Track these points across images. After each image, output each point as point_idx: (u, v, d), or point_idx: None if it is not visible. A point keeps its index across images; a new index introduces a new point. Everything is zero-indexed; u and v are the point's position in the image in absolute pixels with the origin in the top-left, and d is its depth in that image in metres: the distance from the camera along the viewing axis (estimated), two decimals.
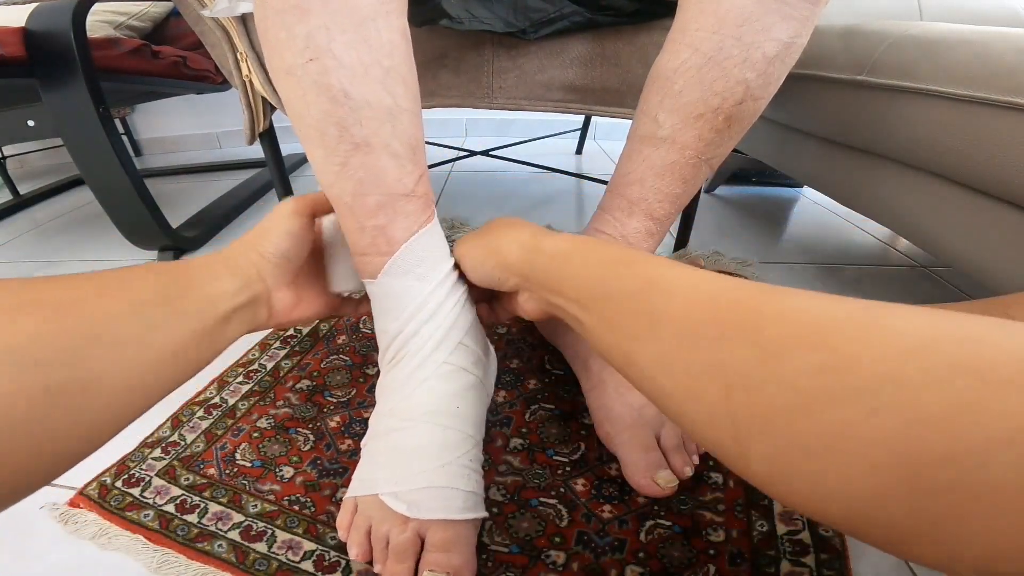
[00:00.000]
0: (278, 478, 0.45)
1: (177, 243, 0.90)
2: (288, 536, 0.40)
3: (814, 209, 1.13)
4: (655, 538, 0.39)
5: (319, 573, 0.37)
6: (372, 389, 0.54)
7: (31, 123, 1.05)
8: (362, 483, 0.39)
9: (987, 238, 0.50)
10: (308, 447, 0.48)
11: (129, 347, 0.25)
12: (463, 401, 0.41)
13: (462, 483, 0.38)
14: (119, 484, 0.44)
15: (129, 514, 0.42)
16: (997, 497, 0.12)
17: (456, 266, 0.42)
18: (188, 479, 0.45)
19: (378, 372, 0.44)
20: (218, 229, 1.04)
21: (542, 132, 1.63)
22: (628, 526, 0.40)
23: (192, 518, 0.41)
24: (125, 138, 1.73)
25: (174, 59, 0.99)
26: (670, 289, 0.23)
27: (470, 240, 0.41)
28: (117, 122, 1.65)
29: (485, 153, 1.19)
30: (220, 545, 0.39)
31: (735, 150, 0.49)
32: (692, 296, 0.22)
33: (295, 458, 0.47)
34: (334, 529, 0.39)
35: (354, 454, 0.46)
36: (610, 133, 1.78)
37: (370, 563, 0.36)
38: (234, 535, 0.40)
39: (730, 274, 0.77)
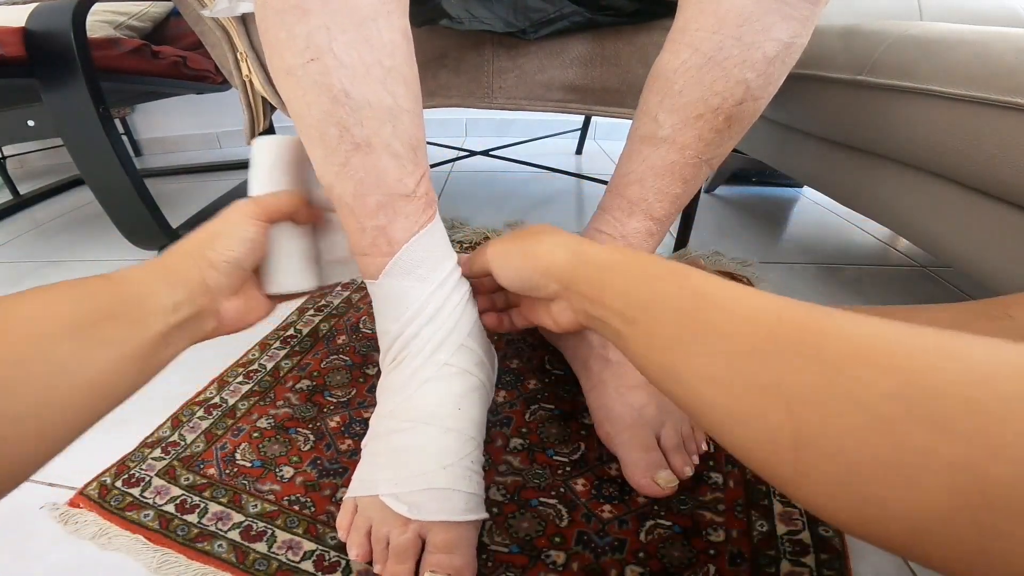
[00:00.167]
0: (278, 478, 0.45)
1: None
2: (288, 536, 0.40)
3: (814, 209, 1.13)
4: (655, 538, 0.39)
5: (319, 573, 0.37)
6: (372, 389, 0.54)
7: (31, 123, 1.05)
8: (362, 484, 0.39)
9: (987, 238, 0.50)
10: (308, 447, 0.48)
11: (33, 391, 0.22)
12: (464, 402, 0.41)
13: (463, 484, 0.38)
14: (119, 484, 0.44)
15: (129, 514, 0.42)
16: None
17: (458, 266, 0.42)
18: (188, 479, 0.45)
19: (378, 372, 0.44)
20: None
21: (542, 132, 1.63)
22: (628, 526, 0.40)
23: (192, 518, 0.41)
24: (125, 138, 1.73)
25: (174, 59, 0.99)
26: (723, 304, 0.23)
27: (506, 243, 0.39)
28: (117, 122, 1.65)
29: (485, 153, 1.19)
30: (220, 545, 0.39)
31: (735, 150, 0.49)
32: (748, 313, 0.21)
33: (295, 458, 0.47)
34: (334, 529, 0.39)
35: (354, 454, 0.46)
36: (610, 133, 1.78)
37: (370, 563, 0.36)
38: (234, 535, 0.40)
39: (730, 275, 0.77)
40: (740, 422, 0.20)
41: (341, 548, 0.38)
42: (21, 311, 0.24)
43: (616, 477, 0.44)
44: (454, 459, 0.38)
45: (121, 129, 1.74)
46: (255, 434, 0.49)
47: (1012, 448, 0.13)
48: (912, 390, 0.15)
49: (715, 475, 0.44)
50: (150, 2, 1.09)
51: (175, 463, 0.46)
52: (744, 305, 0.22)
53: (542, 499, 0.42)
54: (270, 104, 0.68)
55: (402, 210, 0.38)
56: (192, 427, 0.50)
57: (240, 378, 0.57)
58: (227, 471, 0.45)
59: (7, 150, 1.45)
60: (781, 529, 0.40)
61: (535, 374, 0.57)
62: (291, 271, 0.40)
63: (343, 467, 0.46)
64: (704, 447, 0.45)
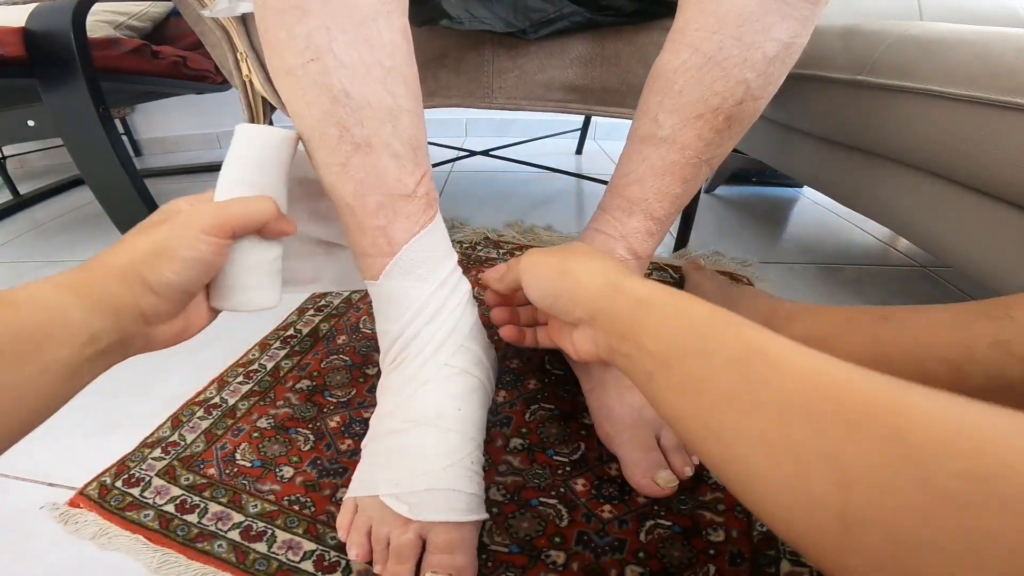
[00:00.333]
0: (278, 478, 0.45)
1: None
2: (288, 536, 0.40)
3: (814, 209, 1.13)
4: (655, 538, 0.39)
5: (319, 573, 0.37)
6: (372, 389, 0.54)
7: (31, 123, 1.05)
8: (363, 484, 0.39)
9: (987, 238, 0.50)
10: (308, 447, 0.48)
11: None
12: (465, 403, 0.41)
13: (464, 485, 0.38)
14: (119, 484, 0.44)
15: (129, 514, 0.42)
16: None
17: (458, 266, 0.42)
18: (188, 479, 0.45)
19: (378, 372, 0.44)
20: None
21: (542, 132, 1.63)
22: (628, 526, 0.40)
23: (192, 518, 0.41)
24: (125, 138, 1.73)
25: (174, 59, 0.99)
26: (778, 362, 0.21)
27: (543, 257, 0.37)
28: (117, 122, 1.65)
29: (485, 153, 1.19)
30: (220, 545, 0.39)
31: (735, 150, 0.49)
32: (807, 374, 0.20)
33: (295, 458, 0.47)
34: (334, 529, 0.39)
35: (354, 454, 0.46)
36: (610, 133, 1.78)
37: (370, 563, 0.36)
38: (234, 535, 0.40)
39: (730, 275, 0.77)
40: (783, 490, 0.19)
41: (341, 548, 0.38)
42: None
43: (616, 477, 0.44)
44: (454, 459, 0.38)
45: (121, 129, 1.74)
46: (255, 434, 0.49)
47: None
48: (984, 471, 0.15)
49: None
50: (150, 2, 1.09)
51: (175, 463, 0.46)
52: (802, 365, 0.20)
53: (542, 499, 0.42)
54: (270, 104, 0.68)
55: (402, 210, 0.38)
56: (192, 427, 0.50)
57: (240, 378, 0.57)
58: (227, 471, 0.45)
59: (7, 150, 1.45)
60: None
61: (535, 374, 0.57)
62: (249, 287, 0.33)
63: (343, 467, 0.46)
64: None
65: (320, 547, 0.39)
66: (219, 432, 0.50)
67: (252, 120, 0.69)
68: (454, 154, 1.17)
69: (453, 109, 0.69)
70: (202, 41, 0.68)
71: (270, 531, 0.40)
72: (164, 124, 1.83)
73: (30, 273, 0.90)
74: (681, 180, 0.44)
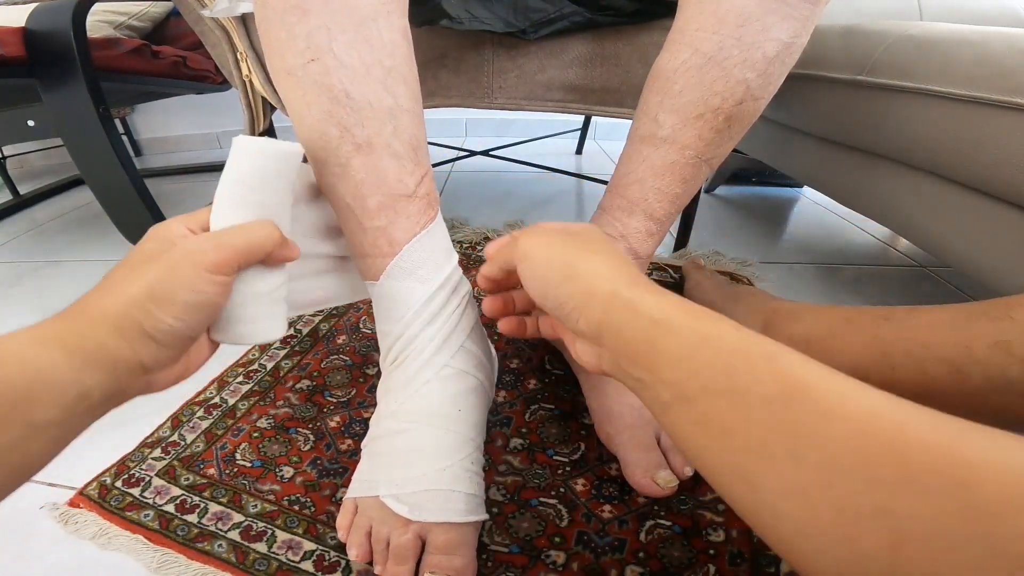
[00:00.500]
0: (278, 478, 0.45)
1: None
2: (288, 536, 0.40)
3: (814, 209, 1.13)
4: (655, 538, 0.39)
5: (319, 573, 0.37)
6: (372, 389, 0.54)
7: (31, 123, 1.05)
8: (362, 484, 0.39)
9: (987, 238, 0.50)
10: (308, 447, 0.48)
11: None
12: (465, 404, 0.41)
13: (464, 486, 0.38)
14: (119, 484, 0.44)
15: (129, 514, 0.42)
16: None
17: (459, 267, 0.42)
18: (188, 479, 0.45)
19: (378, 372, 0.44)
20: None
21: (542, 132, 1.63)
22: (628, 526, 0.40)
23: (192, 518, 0.41)
24: (125, 138, 1.73)
25: (174, 59, 0.99)
26: (824, 404, 0.18)
27: (547, 247, 0.30)
28: (117, 122, 1.65)
29: (485, 153, 1.19)
30: (220, 545, 0.39)
31: (735, 150, 0.49)
32: (857, 419, 0.17)
33: (295, 458, 0.47)
34: (334, 529, 0.39)
35: (354, 454, 0.46)
36: (610, 133, 1.78)
37: (370, 564, 0.36)
38: (234, 535, 0.40)
39: (730, 275, 0.77)
40: (825, 546, 0.17)
41: (341, 548, 0.38)
42: None
43: (616, 477, 0.44)
44: (454, 460, 0.38)
45: (121, 129, 1.74)
46: (255, 434, 0.49)
47: None
48: None
49: None
50: (150, 2, 1.09)
51: (175, 463, 0.46)
52: (852, 407, 0.18)
53: (542, 499, 0.42)
54: (270, 104, 0.68)
55: (403, 211, 0.38)
56: (192, 427, 0.50)
57: (240, 378, 0.57)
58: (227, 471, 0.45)
59: (7, 150, 1.45)
60: None
61: (535, 374, 0.57)
62: (252, 318, 0.30)
63: (343, 467, 0.45)
64: None
65: (320, 547, 0.39)
66: (219, 432, 0.50)
67: (252, 121, 0.69)
68: (454, 154, 1.17)
69: (453, 109, 0.69)
70: (202, 41, 0.68)
71: (270, 531, 0.40)
72: (164, 124, 1.83)
73: (30, 273, 0.90)
74: (681, 180, 0.44)
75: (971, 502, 0.14)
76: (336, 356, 0.60)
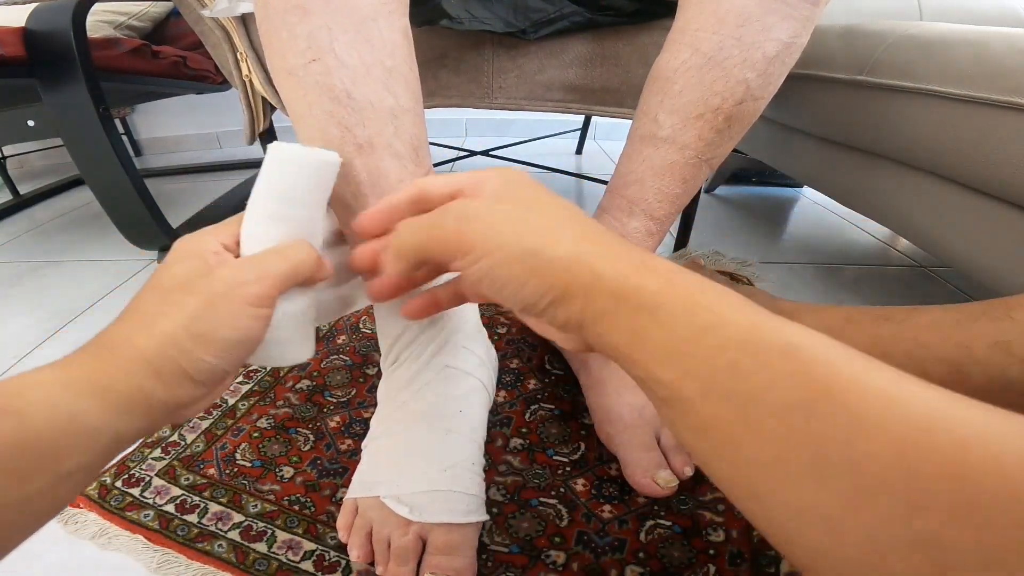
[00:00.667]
0: (278, 478, 0.45)
1: None
2: (288, 536, 0.40)
3: (814, 209, 1.13)
4: (655, 538, 0.39)
5: (319, 573, 0.37)
6: (372, 389, 0.54)
7: (31, 123, 1.05)
8: (363, 485, 0.39)
9: (987, 238, 0.50)
10: (308, 447, 0.48)
11: None
12: (465, 404, 0.41)
13: (464, 486, 0.38)
14: (119, 484, 0.44)
15: (129, 514, 0.42)
16: None
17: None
18: (188, 479, 0.45)
19: (378, 372, 0.44)
20: None
21: (542, 132, 1.63)
22: (628, 526, 0.40)
23: (192, 518, 0.41)
24: (125, 138, 1.73)
25: (174, 59, 0.99)
26: (862, 412, 0.15)
27: (496, 230, 0.22)
28: (117, 122, 1.65)
29: (485, 153, 1.19)
30: (220, 545, 0.39)
31: (735, 150, 0.49)
32: (907, 435, 0.14)
33: (295, 458, 0.47)
34: (334, 529, 0.39)
35: (354, 454, 0.46)
36: (610, 133, 1.78)
37: (371, 564, 0.36)
38: (234, 535, 0.40)
39: (730, 275, 0.77)
40: (847, 571, 0.14)
41: (341, 548, 0.38)
42: None
43: (616, 477, 0.44)
44: (455, 461, 0.38)
45: (121, 129, 1.74)
46: (255, 434, 0.49)
47: None
48: None
49: None
50: (150, 2, 1.08)
51: (175, 463, 0.46)
52: (896, 416, 0.14)
53: (542, 499, 0.42)
54: (270, 104, 0.68)
55: None
56: (192, 427, 0.50)
57: (240, 378, 0.57)
58: (227, 471, 0.45)
59: (7, 150, 1.45)
60: None
61: (535, 374, 0.57)
62: (283, 340, 0.29)
63: (343, 467, 0.45)
64: None
65: (320, 547, 0.39)
66: (219, 432, 0.50)
67: (252, 121, 0.69)
68: (454, 154, 1.17)
69: (453, 109, 0.69)
70: (202, 41, 0.68)
71: (270, 531, 0.40)
72: (164, 124, 1.83)
73: (30, 273, 0.90)
74: (681, 180, 0.44)
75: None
76: (336, 356, 0.60)
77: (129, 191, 0.81)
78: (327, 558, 0.38)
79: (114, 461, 0.46)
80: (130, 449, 0.48)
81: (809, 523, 0.15)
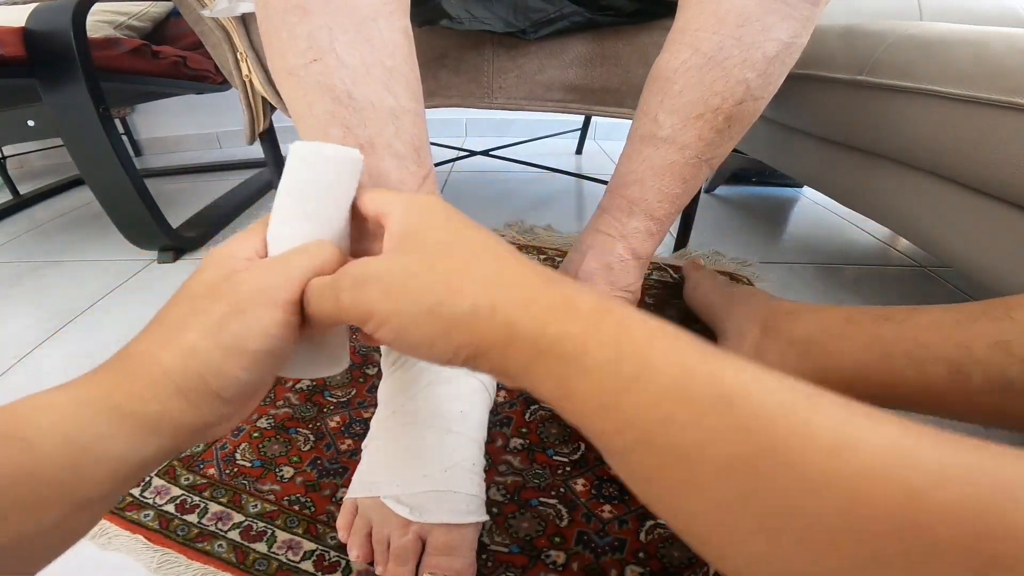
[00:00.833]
0: (278, 478, 0.45)
1: (177, 243, 0.90)
2: (288, 536, 0.40)
3: (814, 209, 1.13)
4: (655, 538, 0.39)
5: (319, 573, 0.37)
6: (372, 389, 0.54)
7: (31, 123, 1.05)
8: (363, 485, 0.39)
9: (987, 238, 0.50)
10: (308, 447, 0.48)
11: None
12: (465, 405, 0.41)
13: (464, 487, 0.38)
14: None
15: (129, 514, 0.42)
16: None
17: None
18: (188, 479, 0.45)
19: (378, 372, 0.44)
20: (218, 229, 1.04)
21: (542, 132, 1.63)
22: (628, 526, 0.40)
23: (192, 518, 0.41)
24: (125, 138, 1.73)
25: (174, 59, 0.99)
26: (808, 466, 0.14)
27: (398, 292, 0.21)
28: (117, 122, 1.65)
29: (485, 153, 1.19)
30: (220, 545, 0.39)
31: (735, 150, 0.49)
32: (856, 487, 0.13)
33: (295, 458, 0.47)
34: (334, 529, 0.39)
35: (354, 454, 0.46)
36: (610, 133, 1.78)
37: (371, 564, 0.36)
38: (234, 535, 0.40)
39: (730, 275, 0.77)
40: None
41: (341, 548, 0.38)
42: None
43: (616, 477, 0.44)
44: (455, 461, 0.38)
45: (121, 129, 1.74)
46: (255, 434, 0.49)
47: None
48: None
49: None
50: (150, 2, 1.09)
51: (175, 463, 0.46)
52: (845, 466, 0.14)
53: (542, 499, 0.42)
54: (270, 104, 0.68)
55: None
56: None
57: None
58: (227, 471, 0.45)
59: (7, 150, 1.45)
60: None
61: None
62: (318, 349, 0.28)
63: (343, 467, 0.46)
64: None
65: (320, 547, 0.39)
66: None
67: (252, 121, 0.69)
68: (454, 154, 1.17)
69: (453, 109, 0.69)
70: (202, 41, 0.68)
71: (270, 531, 0.40)
72: (164, 124, 1.83)
73: (30, 273, 0.90)
74: (681, 180, 0.44)
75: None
76: None
77: (129, 191, 0.81)
78: (327, 558, 0.38)
79: None
80: None
81: (767, 572, 0.15)
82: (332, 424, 0.50)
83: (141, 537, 0.40)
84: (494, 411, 0.51)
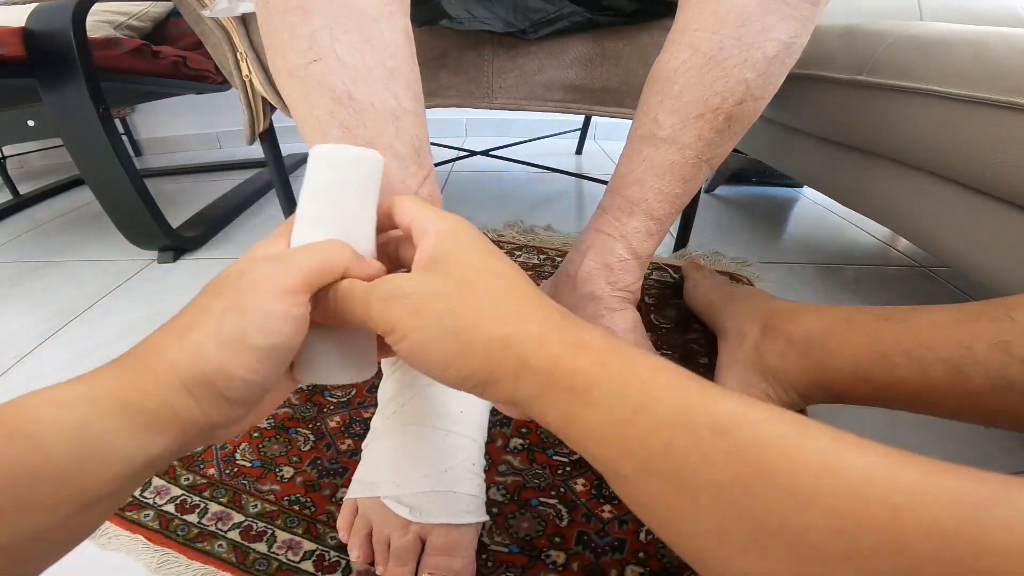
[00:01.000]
0: (278, 478, 0.45)
1: (177, 243, 0.90)
2: (288, 536, 0.40)
3: (814, 209, 1.13)
4: (655, 538, 0.39)
5: (319, 573, 0.37)
6: (372, 389, 0.54)
7: (31, 123, 1.05)
8: (363, 485, 0.39)
9: (987, 238, 0.50)
10: (308, 447, 0.48)
11: None
12: (466, 405, 0.41)
13: (464, 487, 0.38)
14: None
15: (129, 514, 0.42)
16: None
17: None
18: (188, 479, 0.45)
19: (378, 372, 0.44)
20: (218, 229, 1.04)
21: (542, 132, 1.63)
22: (628, 526, 0.40)
23: (192, 518, 0.41)
24: (125, 138, 1.73)
25: (174, 59, 0.99)
26: (797, 486, 0.15)
27: (422, 312, 0.22)
28: (117, 122, 1.65)
29: (485, 153, 1.19)
30: (220, 545, 0.39)
31: (735, 150, 0.49)
32: (842, 506, 0.14)
33: (295, 458, 0.47)
34: (334, 529, 0.39)
35: (354, 454, 0.46)
36: (610, 133, 1.78)
37: (371, 564, 0.36)
38: (234, 535, 0.40)
39: (730, 275, 0.77)
40: None
41: (341, 548, 0.38)
42: None
43: None
44: (455, 461, 0.38)
45: (121, 129, 1.74)
46: (255, 434, 0.49)
47: None
48: None
49: None
50: (150, 2, 1.09)
51: (175, 463, 0.46)
52: (831, 486, 0.14)
53: (542, 499, 0.42)
54: (270, 104, 0.68)
55: None
56: None
57: None
58: (227, 471, 0.45)
59: (7, 150, 1.45)
60: None
61: None
62: (342, 354, 0.27)
63: (343, 467, 0.46)
64: None
65: (320, 547, 0.39)
66: None
67: (252, 121, 0.69)
68: (454, 154, 1.17)
69: (453, 109, 0.69)
70: (202, 41, 0.68)
71: (270, 531, 0.40)
72: (164, 124, 1.83)
73: (30, 273, 0.90)
74: (681, 180, 0.44)
75: None
76: None
77: (129, 191, 0.81)
78: (327, 558, 0.38)
79: None
80: None
81: None
82: (332, 424, 0.50)
83: (141, 537, 0.40)
84: (494, 411, 0.51)
